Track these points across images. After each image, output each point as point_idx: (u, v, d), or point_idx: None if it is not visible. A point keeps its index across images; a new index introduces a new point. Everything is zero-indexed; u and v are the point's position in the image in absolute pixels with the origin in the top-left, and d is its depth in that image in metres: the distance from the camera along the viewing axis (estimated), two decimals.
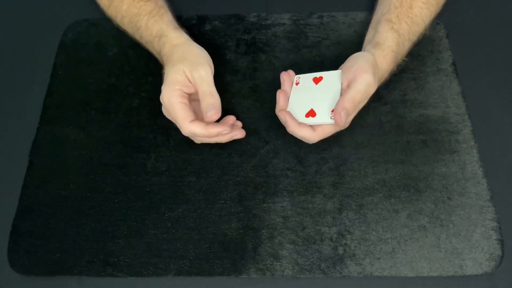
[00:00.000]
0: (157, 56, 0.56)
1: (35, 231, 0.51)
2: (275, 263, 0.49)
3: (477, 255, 0.48)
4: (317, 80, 0.53)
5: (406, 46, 0.55)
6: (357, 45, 0.61)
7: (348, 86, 0.50)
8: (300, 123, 0.51)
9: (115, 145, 0.56)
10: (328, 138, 0.53)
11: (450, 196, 0.51)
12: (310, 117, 0.51)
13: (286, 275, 0.48)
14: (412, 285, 0.48)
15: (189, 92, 0.51)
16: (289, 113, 0.51)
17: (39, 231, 0.51)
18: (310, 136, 0.51)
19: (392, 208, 0.51)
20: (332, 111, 0.50)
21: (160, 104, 0.51)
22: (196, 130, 0.49)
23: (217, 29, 0.64)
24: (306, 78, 0.54)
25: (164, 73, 0.52)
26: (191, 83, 0.50)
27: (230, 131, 0.52)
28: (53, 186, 0.54)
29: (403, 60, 0.56)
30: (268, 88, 0.59)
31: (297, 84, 0.54)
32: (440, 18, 0.63)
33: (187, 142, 0.55)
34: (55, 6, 0.68)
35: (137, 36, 0.57)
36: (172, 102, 0.49)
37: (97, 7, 0.60)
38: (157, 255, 0.49)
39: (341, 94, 0.51)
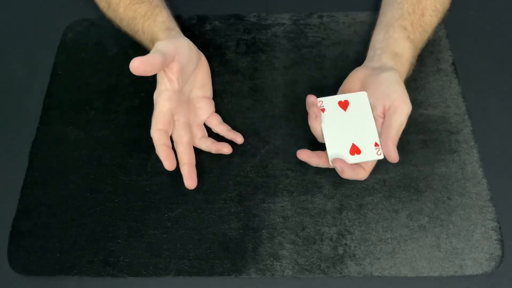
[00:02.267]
0: None
1: (35, 231, 0.51)
2: (275, 263, 0.49)
3: (477, 255, 0.48)
4: (343, 105, 0.51)
5: (417, 55, 0.55)
6: (357, 45, 0.61)
7: (386, 115, 0.48)
8: (353, 166, 0.49)
9: (115, 145, 0.56)
10: None
11: (450, 196, 0.51)
12: (356, 155, 0.49)
13: (286, 275, 0.48)
14: (412, 285, 0.48)
15: (177, 87, 0.50)
16: (344, 161, 0.48)
17: (39, 231, 0.51)
18: (363, 176, 0.50)
19: (392, 208, 0.51)
20: (376, 144, 0.48)
21: None
22: (155, 139, 0.49)
23: (217, 29, 0.64)
24: (331, 103, 0.51)
25: None
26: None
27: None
28: (53, 186, 0.54)
29: (412, 70, 0.55)
30: (268, 88, 0.59)
31: (323, 111, 0.51)
32: None
33: None
34: (55, 6, 0.68)
35: (137, 39, 0.58)
36: (157, 101, 0.49)
37: (97, 7, 0.60)
38: (157, 255, 0.49)
39: (374, 119, 0.49)
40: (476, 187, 0.52)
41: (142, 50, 0.59)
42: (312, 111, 0.50)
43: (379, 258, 0.49)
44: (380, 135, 0.49)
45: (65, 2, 0.68)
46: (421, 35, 0.53)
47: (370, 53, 0.54)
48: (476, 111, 0.57)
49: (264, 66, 0.61)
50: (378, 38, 0.54)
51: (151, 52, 0.47)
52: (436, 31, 0.62)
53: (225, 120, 0.57)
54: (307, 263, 0.48)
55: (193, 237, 0.50)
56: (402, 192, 0.52)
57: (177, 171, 0.54)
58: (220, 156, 0.54)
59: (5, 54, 0.64)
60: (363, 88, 0.51)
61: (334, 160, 0.48)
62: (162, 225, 0.51)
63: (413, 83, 0.58)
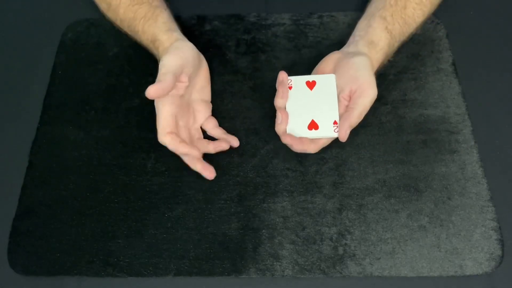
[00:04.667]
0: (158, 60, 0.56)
1: (35, 231, 0.51)
2: (275, 263, 0.49)
3: (477, 255, 0.48)
4: (310, 85, 0.52)
5: (395, 47, 0.55)
6: None
7: (351, 98, 0.50)
8: (302, 141, 0.51)
9: (115, 145, 0.56)
10: None
11: (450, 196, 0.51)
12: (313, 130, 0.50)
13: (286, 275, 0.48)
14: (412, 285, 0.48)
15: (179, 91, 0.51)
16: (292, 137, 0.50)
17: (39, 231, 0.51)
18: (312, 150, 0.52)
19: (392, 208, 0.51)
20: (335, 122, 0.50)
21: None
22: (168, 142, 0.49)
23: (217, 29, 0.64)
24: (299, 82, 0.53)
25: None
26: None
27: (199, 155, 0.51)
28: (53, 186, 0.54)
29: (388, 60, 0.57)
30: (268, 88, 0.59)
31: (290, 88, 0.52)
32: (440, 18, 0.63)
33: None
34: (55, 6, 0.68)
35: (137, 40, 0.57)
36: (159, 107, 0.50)
37: (97, 7, 0.60)
38: (157, 255, 0.49)
39: (339, 100, 0.51)
40: (476, 187, 0.52)
41: (142, 50, 0.59)
42: (280, 89, 0.51)
43: (379, 258, 0.49)
44: (341, 115, 0.50)
45: (65, 2, 0.68)
46: (401, 27, 0.54)
47: (350, 39, 0.56)
48: (476, 111, 0.57)
49: (264, 66, 0.61)
50: (359, 27, 0.56)
51: (161, 74, 0.48)
52: (436, 31, 0.62)
53: (225, 120, 0.57)
54: (307, 263, 0.49)
55: (193, 237, 0.50)
56: (402, 192, 0.52)
57: (178, 171, 0.54)
58: (220, 156, 0.54)
59: (5, 54, 0.64)
60: (334, 70, 0.53)
61: (284, 136, 0.50)
62: (162, 225, 0.51)
63: (413, 83, 0.58)
